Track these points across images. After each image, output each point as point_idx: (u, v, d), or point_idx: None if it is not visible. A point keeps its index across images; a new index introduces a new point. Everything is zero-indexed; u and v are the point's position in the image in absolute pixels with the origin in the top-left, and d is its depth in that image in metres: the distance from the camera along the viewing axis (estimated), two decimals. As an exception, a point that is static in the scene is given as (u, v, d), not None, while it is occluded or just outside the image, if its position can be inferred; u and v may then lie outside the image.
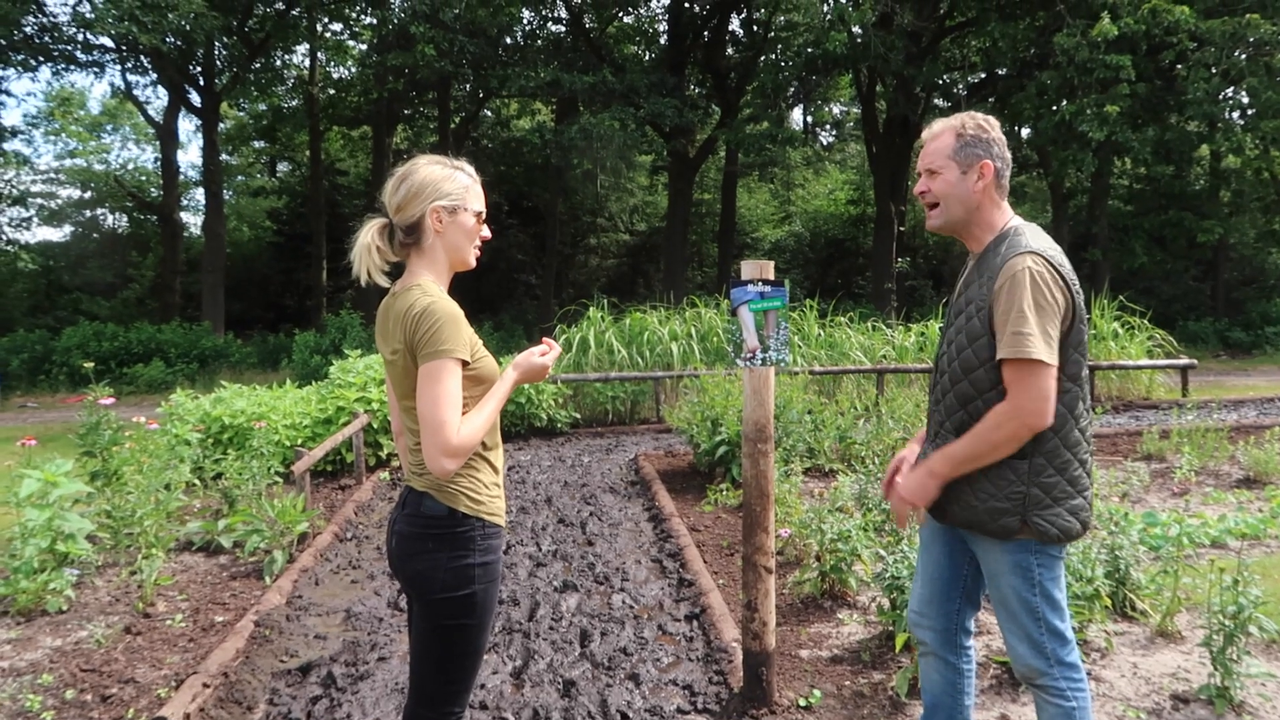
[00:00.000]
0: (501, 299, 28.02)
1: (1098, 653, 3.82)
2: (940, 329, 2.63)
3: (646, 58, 26.29)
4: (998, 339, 2.27)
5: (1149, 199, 25.08)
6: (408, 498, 2.30)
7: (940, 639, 2.67)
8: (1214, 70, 17.51)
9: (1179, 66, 18.40)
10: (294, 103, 27.59)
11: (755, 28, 25.30)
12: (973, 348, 2.36)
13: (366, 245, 2.25)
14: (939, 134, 2.49)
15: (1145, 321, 13.99)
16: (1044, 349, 2.21)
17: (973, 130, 2.44)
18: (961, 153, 2.44)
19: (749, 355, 3.29)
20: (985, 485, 2.35)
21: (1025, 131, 22.53)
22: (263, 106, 28.13)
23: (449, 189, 2.28)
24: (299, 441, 7.99)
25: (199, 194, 30.82)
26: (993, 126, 2.46)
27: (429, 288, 2.22)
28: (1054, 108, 18.56)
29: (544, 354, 2.38)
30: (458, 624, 2.22)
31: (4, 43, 18.36)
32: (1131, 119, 18.00)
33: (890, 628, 3.93)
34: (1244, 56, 17.87)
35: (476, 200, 2.34)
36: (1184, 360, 13.37)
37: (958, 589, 2.63)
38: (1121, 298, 14.80)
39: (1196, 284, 27.00)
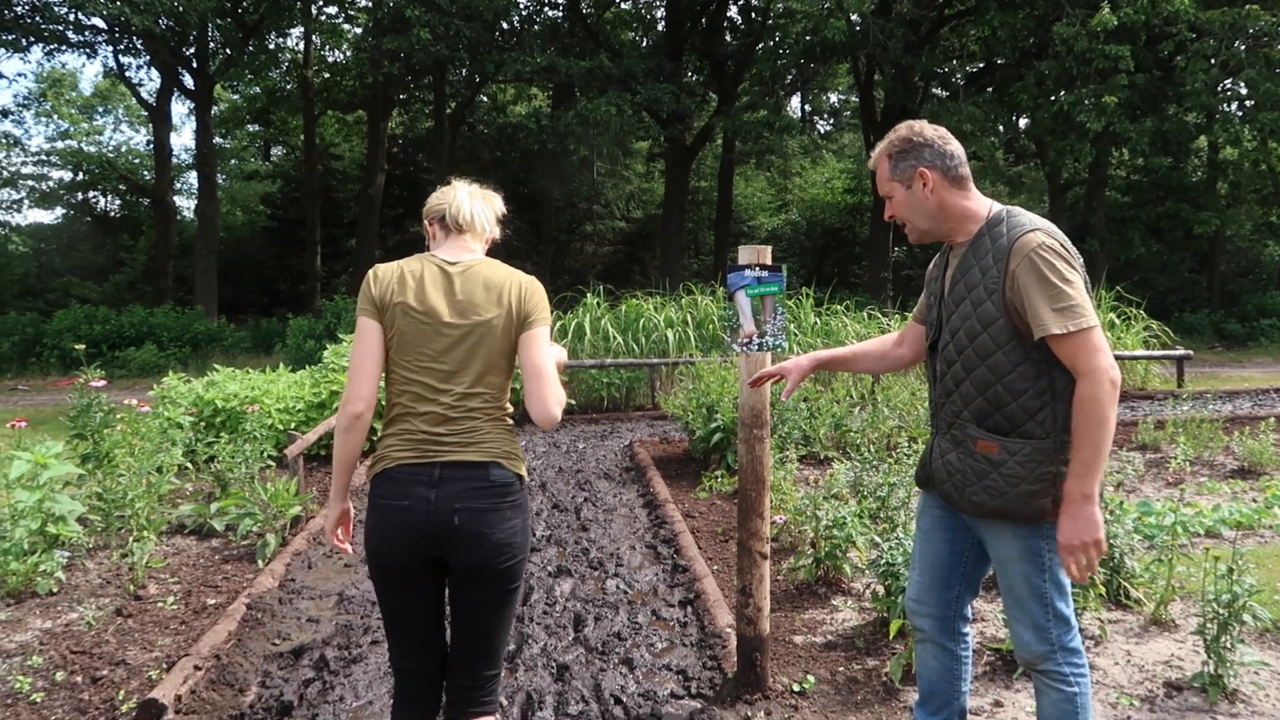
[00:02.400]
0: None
1: (1092, 640, 3.81)
2: (931, 319, 2.58)
3: (644, 44, 26.17)
4: (1036, 319, 2.22)
5: (1146, 190, 25.04)
6: (444, 474, 2.26)
7: (938, 626, 2.65)
8: (1213, 61, 17.49)
9: (1178, 57, 18.38)
10: (288, 86, 27.40)
11: (753, 14, 25.21)
12: (988, 331, 2.31)
13: (488, 193, 2.55)
14: (877, 163, 2.52)
15: (1141, 312, 13.99)
16: (1093, 313, 2.22)
17: (898, 145, 2.45)
18: (897, 170, 2.46)
19: (745, 340, 3.26)
20: (1015, 469, 2.30)
21: (1023, 121, 22.48)
22: (257, 89, 27.94)
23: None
24: (292, 425, 7.96)
25: (192, 177, 30.69)
26: (918, 132, 2.44)
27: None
28: (1052, 98, 18.53)
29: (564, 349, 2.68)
30: (521, 581, 2.40)
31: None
32: (1130, 110, 17.97)
33: (885, 614, 3.92)
34: (1243, 48, 17.86)
35: None
36: (1180, 351, 13.38)
37: (957, 576, 2.62)
38: (1118, 288, 14.77)
39: (1193, 275, 27.03)
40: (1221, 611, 3.33)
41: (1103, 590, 3.92)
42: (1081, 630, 3.84)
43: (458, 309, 2.32)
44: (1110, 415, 2.19)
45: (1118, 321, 13.67)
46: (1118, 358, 12.54)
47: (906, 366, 2.88)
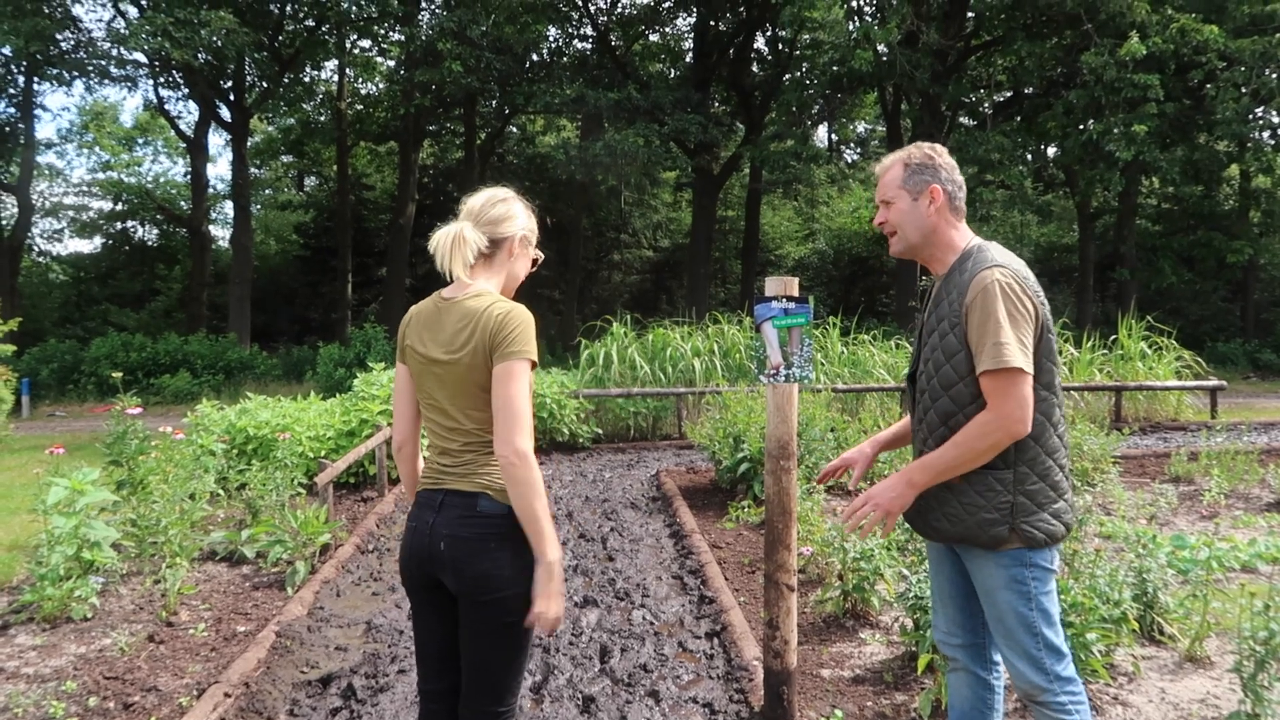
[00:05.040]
0: (524, 313, 28.16)
1: (1125, 677, 3.76)
2: (911, 349, 2.68)
3: (672, 75, 26.41)
4: (975, 352, 2.32)
5: (1177, 219, 24.85)
6: (445, 501, 2.32)
7: (972, 654, 2.65)
8: (1244, 90, 17.38)
9: (1208, 86, 18.31)
10: (322, 118, 27.92)
11: (780, 46, 25.38)
12: (951, 363, 2.40)
13: (460, 236, 2.37)
14: (889, 167, 2.59)
15: (1173, 342, 13.83)
16: (1021, 357, 2.26)
17: (919, 159, 2.53)
18: (910, 180, 2.53)
19: (773, 372, 3.27)
20: (973, 498, 2.38)
21: (1052, 150, 22.41)
22: (291, 121, 28.48)
23: (531, 225, 2.51)
24: (322, 453, 8.03)
25: (228, 207, 31.21)
26: (939, 154, 2.54)
27: (498, 294, 2.39)
28: (1081, 127, 18.47)
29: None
30: (524, 617, 2.30)
31: (40, 58, 18.70)
32: (1160, 138, 17.87)
33: (913, 648, 3.88)
34: (1274, 76, 17.72)
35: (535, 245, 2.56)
36: (1213, 381, 13.20)
37: (979, 602, 2.61)
38: (1149, 318, 14.63)
39: (1226, 304, 26.72)
40: (1258, 649, 3.27)
41: (1136, 625, 3.87)
42: (1114, 666, 3.79)
43: (442, 345, 2.33)
44: (981, 450, 2.30)
45: (1149, 351, 13.51)
46: (1150, 388, 12.50)
47: None
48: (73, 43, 20.34)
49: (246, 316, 22.78)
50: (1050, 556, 2.41)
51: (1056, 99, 18.91)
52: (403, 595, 5.21)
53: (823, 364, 12.45)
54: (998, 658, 2.67)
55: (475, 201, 2.46)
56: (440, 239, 2.38)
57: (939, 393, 2.44)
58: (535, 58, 23.45)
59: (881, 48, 18.17)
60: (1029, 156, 21.50)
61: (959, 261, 2.48)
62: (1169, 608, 4.15)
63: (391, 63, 25.53)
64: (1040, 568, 2.38)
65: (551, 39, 24.63)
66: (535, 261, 2.57)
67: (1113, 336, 14.01)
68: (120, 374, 8.10)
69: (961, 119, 23.43)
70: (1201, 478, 7.95)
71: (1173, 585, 4.41)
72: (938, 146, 2.57)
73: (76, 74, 20.83)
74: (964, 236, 2.54)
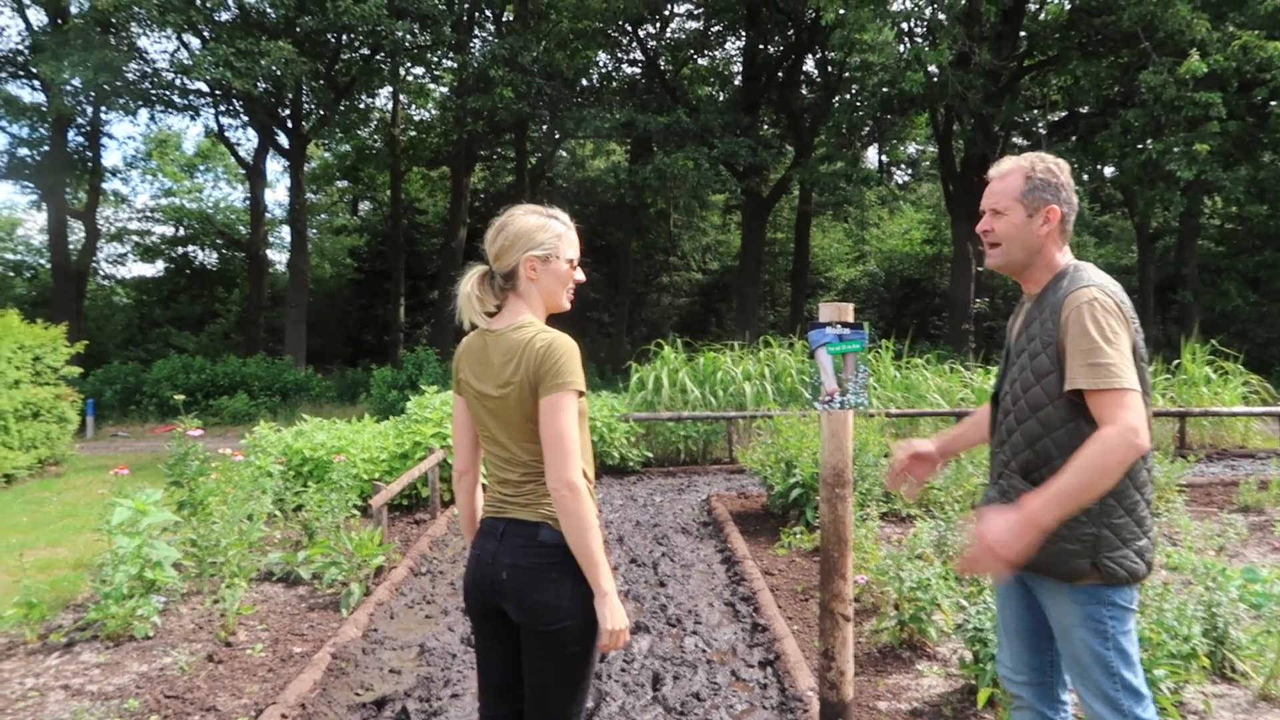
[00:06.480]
0: (574, 337, 28.03)
1: (1195, 716, 3.63)
2: (999, 370, 2.59)
3: (721, 98, 26.50)
4: (1069, 371, 2.23)
5: (1242, 239, 24.24)
6: (508, 530, 2.33)
7: (1037, 693, 2.57)
8: (1310, 107, 16.94)
9: (1273, 103, 17.86)
10: (376, 144, 28.47)
11: (830, 68, 25.34)
12: (1041, 384, 2.32)
13: (467, 294, 2.40)
14: (1007, 174, 2.45)
15: (1239, 366, 13.43)
16: (1130, 376, 2.18)
17: (1042, 174, 2.41)
18: (1029, 196, 2.41)
19: (827, 398, 3.24)
20: (1056, 528, 2.26)
21: (1109, 170, 22.03)
22: (347, 147, 29.07)
23: (542, 239, 2.40)
24: (376, 475, 8.11)
25: (285, 232, 31.87)
26: (1063, 170, 2.43)
27: (540, 324, 2.36)
28: (1140, 146, 18.12)
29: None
30: (585, 647, 2.30)
31: (108, 88, 19.35)
32: (1223, 157, 17.45)
33: (972, 681, 3.79)
34: (1342, 93, 17.26)
35: (569, 248, 2.45)
36: (1282, 407, 12.78)
37: (1047, 639, 2.53)
38: (1214, 341, 14.24)
39: (1293, 328, 25.93)
40: (1338, 689, 3.14)
41: (1206, 662, 3.74)
42: (1184, 704, 3.67)
43: (492, 380, 2.34)
44: (1110, 467, 2.12)
45: (1214, 376, 13.14)
46: (1215, 414, 12.14)
47: None
48: (138, 73, 21.03)
49: (302, 339, 23.19)
50: (1130, 596, 2.31)
51: (1114, 118, 18.58)
52: (456, 618, 5.23)
53: (875, 388, 12.30)
54: (1065, 697, 2.58)
55: (487, 237, 2.45)
56: (458, 299, 2.42)
57: (1026, 414, 2.36)
58: (585, 83, 23.71)
59: (933, 69, 18.04)
60: (1085, 177, 21.13)
61: (1054, 281, 2.39)
62: (1241, 644, 4.00)
63: (444, 89, 25.94)
64: (1119, 606, 2.29)
65: (601, 64, 24.92)
66: (571, 264, 2.44)
67: (1175, 360, 13.66)
68: (181, 396, 8.28)
69: (1015, 139, 23.15)
70: (1272, 507, 7.69)
71: (1244, 620, 4.25)
72: (1061, 162, 2.44)
73: (141, 103, 21.49)
74: (1063, 258, 2.44)
